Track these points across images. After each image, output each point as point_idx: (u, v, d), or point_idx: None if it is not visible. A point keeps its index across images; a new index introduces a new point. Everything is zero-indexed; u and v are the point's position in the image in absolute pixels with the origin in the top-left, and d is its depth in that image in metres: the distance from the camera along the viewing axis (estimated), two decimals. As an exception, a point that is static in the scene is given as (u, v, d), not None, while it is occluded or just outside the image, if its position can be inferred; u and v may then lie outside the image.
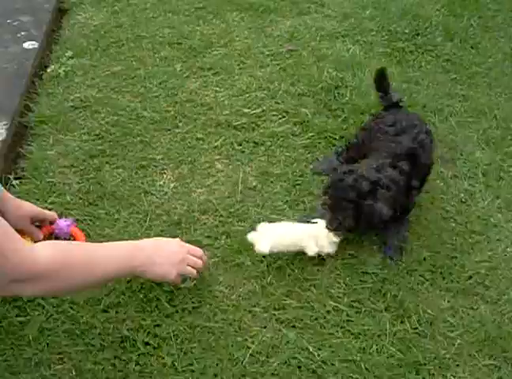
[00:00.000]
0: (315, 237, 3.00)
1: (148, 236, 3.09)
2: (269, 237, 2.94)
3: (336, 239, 3.01)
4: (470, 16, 5.21)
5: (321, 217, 3.03)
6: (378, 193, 2.88)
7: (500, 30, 5.15)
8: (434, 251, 3.18)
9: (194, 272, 2.79)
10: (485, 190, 3.57)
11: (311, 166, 3.52)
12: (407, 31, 4.81)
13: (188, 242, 3.04)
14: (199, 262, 2.81)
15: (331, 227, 2.98)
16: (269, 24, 4.78)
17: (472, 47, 4.84)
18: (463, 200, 3.49)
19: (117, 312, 2.80)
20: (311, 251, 2.99)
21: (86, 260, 2.42)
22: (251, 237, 2.96)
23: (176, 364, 2.63)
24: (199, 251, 2.86)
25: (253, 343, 2.72)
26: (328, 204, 2.99)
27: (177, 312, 2.82)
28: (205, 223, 3.20)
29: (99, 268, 2.46)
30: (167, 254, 2.72)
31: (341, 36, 4.70)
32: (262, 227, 2.98)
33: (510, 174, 3.70)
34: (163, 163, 3.52)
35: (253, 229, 3.00)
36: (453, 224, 3.34)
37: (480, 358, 2.79)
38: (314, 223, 3.04)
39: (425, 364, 2.73)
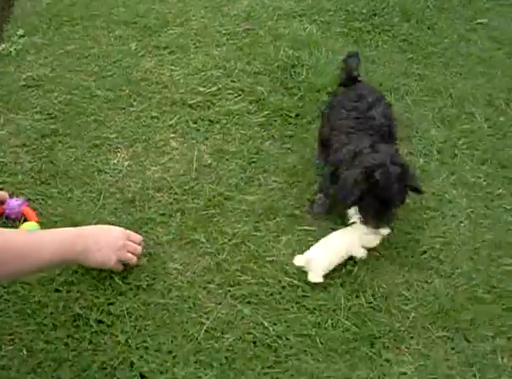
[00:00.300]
0: (360, 240, 2.99)
1: (102, 214, 3.07)
2: (319, 266, 2.88)
3: (385, 231, 3.00)
4: (427, -3, 5.23)
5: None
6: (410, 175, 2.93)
7: (456, 12, 5.18)
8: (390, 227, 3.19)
9: (134, 258, 2.79)
10: (440, 167, 3.60)
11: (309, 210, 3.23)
12: (364, 11, 4.81)
13: (142, 219, 3.04)
14: (139, 248, 2.82)
15: (385, 225, 2.96)
16: (226, 3, 4.74)
17: (428, 28, 4.86)
18: (418, 176, 3.51)
19: (69, 291, 2.76)
20: (360, 254, 3.00)
21: (25, 246, 2.40)
22: (300, 263, 2.91)
23: (130, 341, 2.60)
24: (139, 238, 2.85)
25: (208, 319, 2.70)
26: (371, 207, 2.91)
27: (131, 289, 2.79)
28: (159, 201, 3.17)
29: (40, 253, 2.44)
30: (107, 240, 2.70)
31: (298, 16, 4.68)
32: (310, 253, 2.93)
33: (464, 151, 3.73)
34: (117, 142, 3.48)
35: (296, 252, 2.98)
36: (408, 200, 3.34)
37: (433, 330, 2.82)
38: (350, 223, 3.01)
39: (380, 337, 2.74)
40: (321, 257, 2.91)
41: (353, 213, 3.01)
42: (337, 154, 3.07)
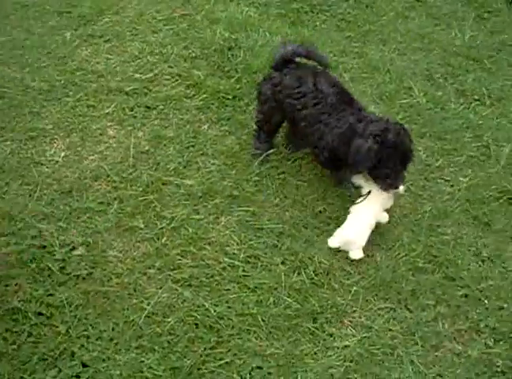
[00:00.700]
0: (381, 205, 3.08)
1: (39, 206, 3.02)
2: (358, 243, 2.99)
3: (402, 188, 3.07)
4: (365, -24, 5.26)
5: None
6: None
7: (394, -11, 5.23)
8: (330, 203, 3.21)
9: None
10: (379, 142, 3.62)
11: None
12: (302, -9, 4.82)
13: (80, 209, 3.00)
14: None
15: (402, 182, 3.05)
16: (162, -11, 4.70)
17: (366, 6, 4.89)
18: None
19: (7, 285, 2.71)
20: (385, 218, 3.12)
21: None
22: (336, 245, 3.00)
23: (71, 331, 2.58)
24: None
25: (148, 304, 2.69)
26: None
27: (70, 279, 2.76)
28: (97, 190, 3.13)
29: None
30: None
31: (236, -1, 4.67)
32: (345, 234, 2.99)
33: (403, 125, 3.77)
34: (54, 133, 3.43)
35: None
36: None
37: (375, 302, 2.85)
38: (365, 194, 3.08)
39: (322, 312, 2.76)
40: (358, 235, 2.99)
41: (362, 184, 3.12)
42: (324, 141, 3.11)
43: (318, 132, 3.12)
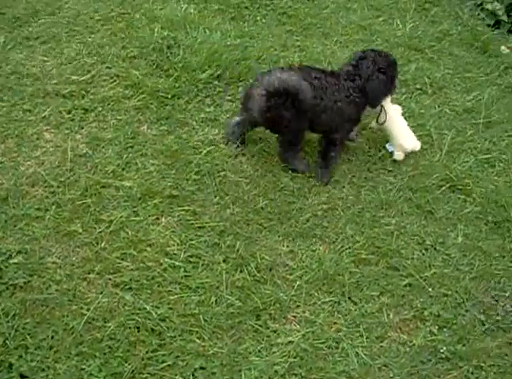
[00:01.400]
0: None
1: (-27, 215, 2.94)
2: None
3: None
4: (304, -32, 5.25)
5: None
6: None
7: (334, -18, 5.23)
8: (271, 199, 3.19)
9: None
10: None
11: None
12: (242, -13, 4.78)
13: (16, 216, 2.94)
14: None
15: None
16: (98, -13, 4.62)
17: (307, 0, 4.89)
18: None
19: None
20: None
21: None
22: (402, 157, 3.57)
23: (8, 342, 2.51)
24: None
25: (88, 309, 2.63)
26: None
27: (7, 289, 2.68)
28: (34, 196, 3.06)
29: None
30: None
31: (175, -4, 4.62)
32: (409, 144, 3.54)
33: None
34: (-12, 139, 3.34)
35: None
36: (287, 173, 3.36)
37: (319, 296, 2.85)
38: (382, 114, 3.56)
39: (265, 309, 2.74)
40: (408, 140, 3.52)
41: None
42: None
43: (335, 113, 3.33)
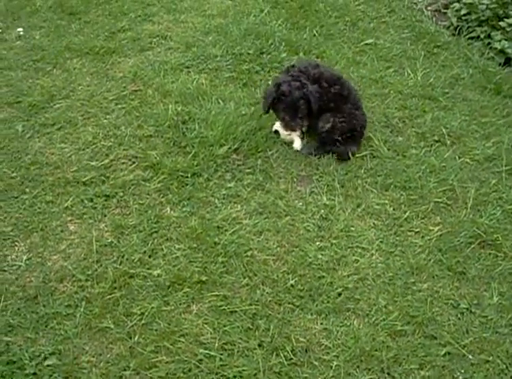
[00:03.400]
0: None
1: (5, 318, 2.93)
2: None
3: None
4: (312, 26, 5.29)
5: None
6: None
7: (343, 36, 5.26)
8: (301, 275, 3.16)
9: None
10: (345, 201, 3.59)
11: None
12: (251, 51, 4.82)
13: (47, 315, 2.93)
14: None
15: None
16: (110, 66, 4.68)
17: (317, 57, 4.91)
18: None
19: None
20: None
21: None
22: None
23: None
24: None
25: (127, 410, 2.60)
26: None
27: (40, 395, 2.66)
28: (63, 292, 3.05)
29: None
30: None
31: (185, 68, 4.65)
32: None
33: (366, 179, 3.75)
34: (13, 235, 3.34)
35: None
36: (313, 244, 3.34)
37: (358, 375, 2.78)
38: None
39: (305, 393, 2.70)
40: None
41: None
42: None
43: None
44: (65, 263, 3.18)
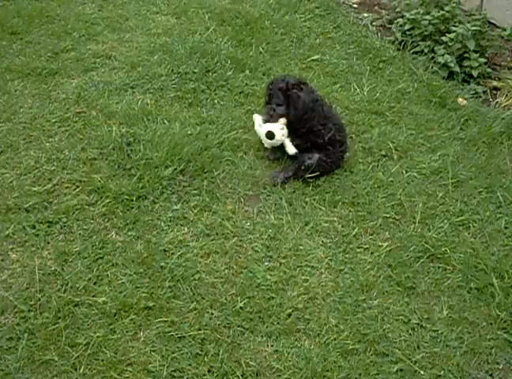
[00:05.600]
0: None
1: None
2: None
3: None
4: (258, 43, 5.26)
5: None
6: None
7: (289, 53, 5.26)
8: (249, 297, 3.11)
9: None
10: (293, 219, 3.57)
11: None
12: (196, 70, 4.77)
13: (-14, 350, 2.81)
14: None
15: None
16: (53, 87, 4.57)
17: (263, 74, 4.89)
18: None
19: None
20: None
21: None
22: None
23: None
24: None
25: None
26: None
27: None
28: (4, 324, 2.94)
29: None
30: None
31: (130, 88, 4.58)
32: None
33: (314, 197, 3.73)
34: (-49, 269, 3.23)
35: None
36: (262, 264, 3.30)
37: (309, 399, 2.75)
38: None
39: (255, 420, 2.65)
40: None
41: None
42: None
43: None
44: (6, 293, 3.07)
